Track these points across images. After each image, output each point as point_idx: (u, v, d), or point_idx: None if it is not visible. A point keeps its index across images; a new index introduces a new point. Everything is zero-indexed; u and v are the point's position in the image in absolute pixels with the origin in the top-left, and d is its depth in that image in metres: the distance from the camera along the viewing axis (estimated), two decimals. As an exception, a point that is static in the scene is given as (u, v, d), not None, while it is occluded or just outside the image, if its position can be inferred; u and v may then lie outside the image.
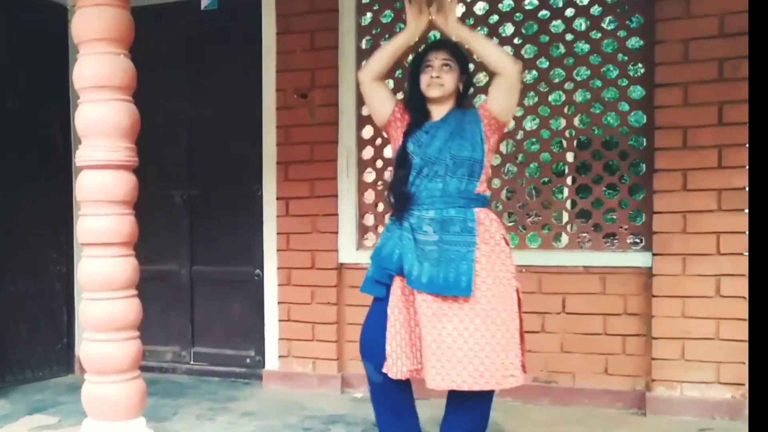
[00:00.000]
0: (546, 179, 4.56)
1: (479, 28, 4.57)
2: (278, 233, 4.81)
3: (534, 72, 4.53)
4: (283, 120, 4.76)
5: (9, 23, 4.84)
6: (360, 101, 4.66)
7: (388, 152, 4.25)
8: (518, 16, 4.54)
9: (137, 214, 3.30)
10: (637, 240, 4.49)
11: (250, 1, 4.86)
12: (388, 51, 3.11)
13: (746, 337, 3.94)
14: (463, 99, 3.16)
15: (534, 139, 4.55)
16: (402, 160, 3.02)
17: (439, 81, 3.00)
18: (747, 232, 3.91)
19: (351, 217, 4.67)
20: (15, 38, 4.89)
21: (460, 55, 3.08)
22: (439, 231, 2.90)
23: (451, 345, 2.82)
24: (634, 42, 4.30)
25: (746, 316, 3.95)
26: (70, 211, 5.12)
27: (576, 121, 4.48)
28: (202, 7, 5.05)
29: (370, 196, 4.79)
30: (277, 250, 4.82)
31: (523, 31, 4.53)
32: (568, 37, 4.43)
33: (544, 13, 4.45)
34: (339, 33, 4.69)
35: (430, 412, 3.41)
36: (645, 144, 4.28)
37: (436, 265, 2.84)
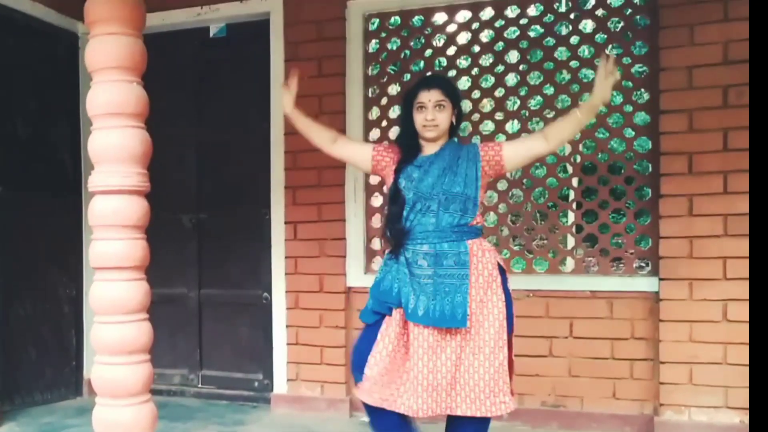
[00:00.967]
0: (552, 204, 4.60)
1: (484, 55, 4.63)
2: (286, 257, 4.85)
3: (539, 98, 4.57)
4: (291, 145, 4.80)
5: (20, 49, 4.91)
6: (367, 126, 4.71)
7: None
8: (523, 43, 4.59)
9: (147, 237, 3.33)
10: (644, 264, 4.51)
11: (258, 29, 4.93)
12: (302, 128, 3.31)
13: (749, 361, 3.97)
14: (456, 129, 3.19)
15: (539, 164, 4.58)
16: (395, 197, 3.04)
17: (433, 123, 3.01)
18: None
19: (358, 241, 4.71)
20: (26, 64, 4.96)
21: (452, 92, 3.10)
22: (433, 265, 2.94)
23: (446, 374, 2.89)
24: (638, 69, 4.34)
25: (748, 340, 3.97)
26: (80, 234, 5.18)
27: (581, 147, 4.52)
28: (211, 35, 5.14)
29: (377, 220, 4.82)
30: (286, 274, 4.84)
31: (529, 58, 4.59)
32: (573, 64, 4.49)
33: (548, 40, 4.50)
34: (346, 60, 4.74)
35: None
36: (650, 169, 4.32)
37: (432, 299, 2.89)
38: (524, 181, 4.62)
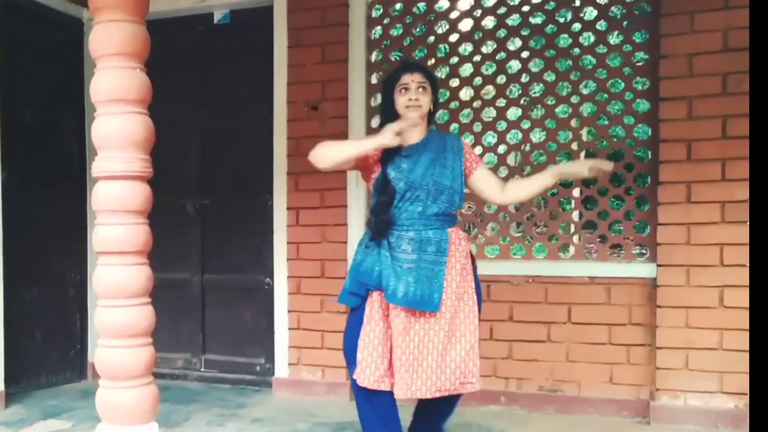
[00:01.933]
0: (553, 191, 4.62)
1: (486, 42, 4.65)
2: (288, 242, 4.89)
3: (541, 85, 4.59)
4: (294, 131, 4.84)
5: (25, 36, 4.94)
6: (369, 113, 4.73)
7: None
8: (525, 30, 4.61)
9: (150, 222, 3.38)
10: (642, 251, 4.54)
11: (262, 16, 4.95)
12: (352, 151, 3.03)
13: (749, 347, 4.00)
14: (433, 116, 3.26)
15: (541, 151, 4.62)
16: (384, 187, 3.07)
17: (417, 103, 3.07)
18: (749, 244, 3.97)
19: (360, 227, 4.73)
20: (31, 51, 4.99)
21: (431, 77, 3.19)
22: (417, 250, 3.00)
23: (417, 356, 2.96)
24: (639, 56, 4.36)
25: (749, 326, 4.01)
26: (84, 219, 5.23)
27: (582, 134, 4.55)
28: (215, 21, 5.16)
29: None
30: (288, 259, 4.89)
31: (531, 45, 4.62)
32: (575, 51, 4.51)
33: (551, 27, 4.51)
34: (349, 46, 4.76)
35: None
36: (650, 156, 4.35)
37: (413, 282, 2.95)
38: (525, 167, 4.64)
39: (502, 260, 4.61)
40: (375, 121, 4.75)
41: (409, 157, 3.05)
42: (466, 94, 4.78)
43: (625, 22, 4.42)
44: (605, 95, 4.46)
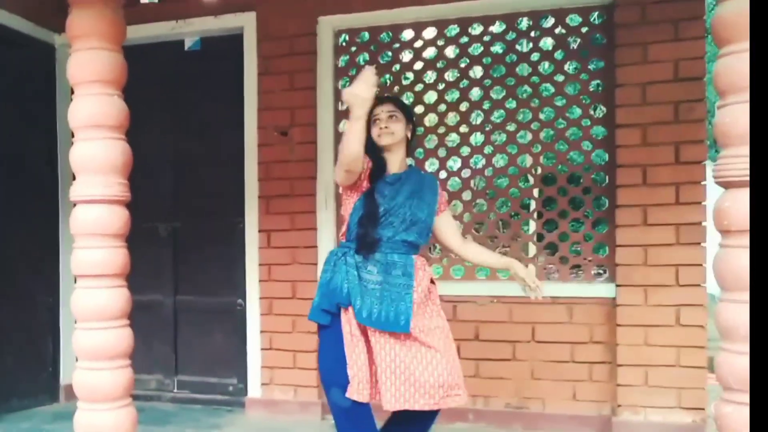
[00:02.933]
0: (514, 213, 4.78)
1: (450, 70, 4.82)
2: (260, 264, 4.98)
3: (502, 112, 4.77)
4: (264, 156, 4.96)
5: (-3, 60, 4.97)
6: (337, 139, 4.85)
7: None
8: (487, 59, 4.78)
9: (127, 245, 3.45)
10: (601, 272, 4.70)
11: (232, 43, 5.08)
12: (353, 135, 2.93)
13: (705, 364, 4.18)
14: (412, 144, 3.40)
15: (502, 176, 4.77)
16: (372, 205, 3.16)
17: (388, 130, 3.20)
18: (704, 265, 4.16)
19: (329, 249, 4.83)
20: (2, 74, 5.01)
21: (403, 106, 3.31)
22: (382, 272, 3.10)
23: (404, 370, 3.03)
24: (595, 85, 4.54)
25: (704, 344, 4.19)
26: (57, 243, 5.27)
27: (542, 159, 4.71)
28: (186, 48, 5.26)
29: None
30: (259, 281, 4.98)
31: (492, 74, 4.80)
32: (534, 79, 4.69)
33: (510, 56, 4.69)
34: (317, 74, 4.90)
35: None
36: (607, 181, 4.51)
37: (378, 303, 3.04)
38: (487, 191, 4.80)
39: (467, 281, 4.74)
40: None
41: (392, 185, 3.18)
42: (430, 120, 4.93)
43: (581, 53, 4.61)
44: (563, 122, 4.63)
